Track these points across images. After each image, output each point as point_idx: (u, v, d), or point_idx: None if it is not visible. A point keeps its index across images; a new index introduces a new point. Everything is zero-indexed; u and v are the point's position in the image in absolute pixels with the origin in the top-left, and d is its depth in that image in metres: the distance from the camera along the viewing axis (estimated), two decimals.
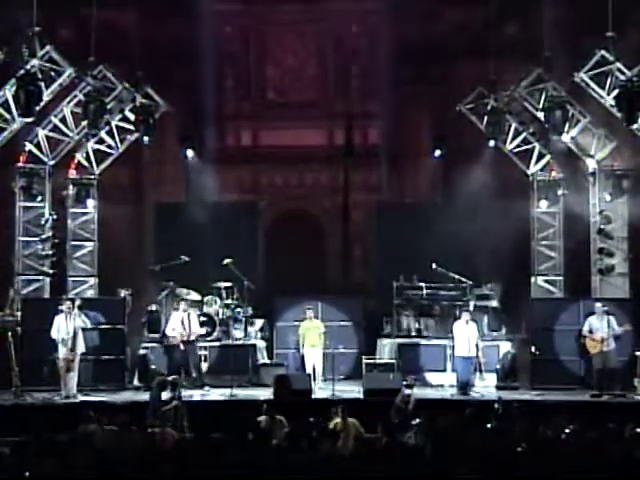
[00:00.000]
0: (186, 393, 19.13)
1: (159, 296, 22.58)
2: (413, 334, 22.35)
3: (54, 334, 19.36)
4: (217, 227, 23.23)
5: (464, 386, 20.05)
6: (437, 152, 24.04)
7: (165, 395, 17.28)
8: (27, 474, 11.25)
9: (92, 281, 23.16)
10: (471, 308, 21.69)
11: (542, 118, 22.32)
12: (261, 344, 22.33)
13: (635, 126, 20.85)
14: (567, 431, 14.02)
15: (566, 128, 22.02)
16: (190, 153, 23.91)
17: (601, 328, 20.04)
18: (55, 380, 19.51)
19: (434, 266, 22.05)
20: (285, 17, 27.94)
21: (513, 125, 23.11)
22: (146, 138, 22.52)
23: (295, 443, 13.34)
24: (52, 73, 21.50)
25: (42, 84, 20.40)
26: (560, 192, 23.27)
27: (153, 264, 23.36)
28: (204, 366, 21.25)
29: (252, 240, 24.58)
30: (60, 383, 19.42)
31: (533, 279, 23.43)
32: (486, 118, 22.66)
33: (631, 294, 22.33)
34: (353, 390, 20.19)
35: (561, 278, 23.36)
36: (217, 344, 21.88)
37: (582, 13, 22.69)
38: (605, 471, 11.15)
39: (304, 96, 28.07)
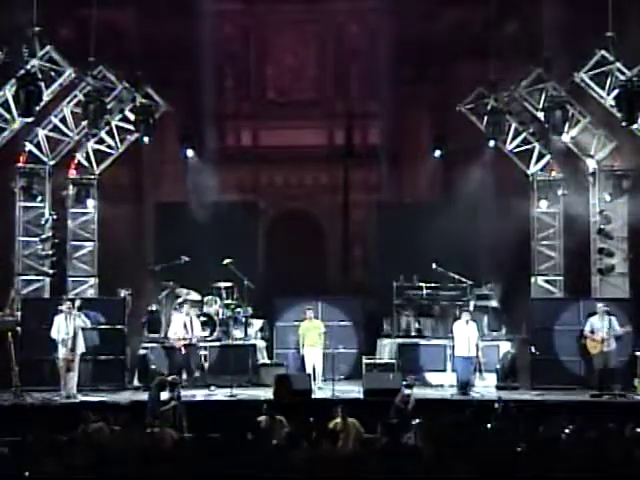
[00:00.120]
0: (189, 393, 19.22)
1: (159, 296, 22.58)
2: (413, 334, 22.36)
3: (54, 334, 19.36)
4: (217, 227, 23.23)
5: (464, 386, 20.05)
6: (437, 152, 24.06)
7: (164, 395, 17.29)
8: (27, 474, 11.25)
9: (92, 281, 23.18)
10: (471, 308, 21.70)
11: (542, 118, 22.33)
12: (261, 344, 22.33)
13: (635, 126, 20.86)
14: (567, 431, 14.01)
15: (566, 128, 22.04)
16: (190, 153, 23.93)
17: (602, 328, 20.03)
18: (55, 380, 19.52)
19: (434, 266, 22.06)
20: (285, 17, 27.92)
21: (513, 125, 23.12)
22: (146, 138, 22.53)
23: (295, 443, 13.34)
24: (52, 73, 21.52)
25: (42, 84, 20.43)
26: (560, 192, 23.27)
27: (153, 264, 23.38)
28: (196, 374, 21.20)
29: (252, 240, 24.60)
30: (60, 383, 19.41)
31: (533, 279, 23.44)
32: (486, 118, 22.66)
33: (631, 294, 22.33)
34: (353, 390, 20.19)
35: (561, 278, 23.37)
36: (217, 344, 21.88)
37: (582, 13, 22.67)
38: (605, 471, 11.15)
39: (304, 96, 28.06)
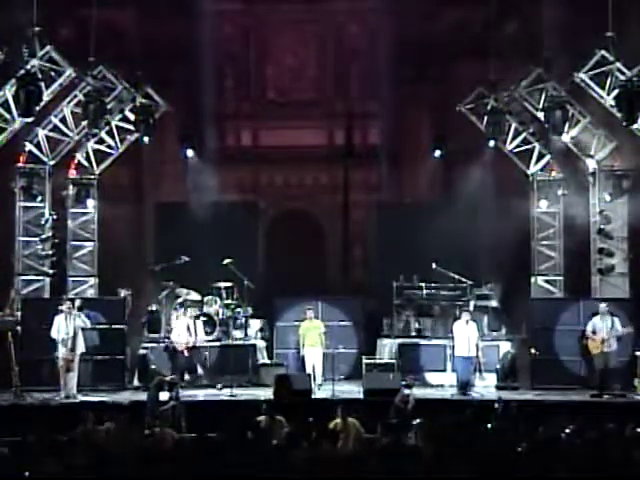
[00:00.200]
0: (191, 393, 19.25)
1: (159, 296, 22.58)
2: (413, 334, 22.35)
3: (54, 334, 19.35)
4: (217, 227, 23.23)
5: (464, 386, 20.05)
6: (437, 152, 24.07)
7: (163, 395, 17.29)
8: (27, 474, 11.25)
9: (92, 281, 23.18)
10: (471, 308, 21.69)
11: (542, 118, 22.33)
12: (261, 344, 22.33)
13: (635, 126, 20.86)
14: (567, 431, 14.01)
15: (566, 128, 22.04)
16: (190, 153, 23.94)
17: (604, 329, 20.02)
18: (55, 380, 19.51)
19: (434, 266, 22.07)
20: (285, 17, 27.92)
21: (513, 125, 23.12)
22: (146, 138, 22.54)
23: (295, 443, 13.34)
24: (52, 73, 21.52)
25: (42, 84, 20.42)
26: (560, 192, 23.27)
27: (153, 264, 23.39)
28: (200, 371, 21.18)
29: (252, 240, 24.60)
30: (60, 383, 19.40)
31: (533, 279, 23.44)
32: (486, 118, 22.66)
33: (631, 294, 22.33)
34: (353, 390, 20.19)
35: (561, 278, 23.37)
36: (217, 344, 21.87)
37: (582, 13, 22.67)
38: (605, 471, 11.15)
39: (304, 96, 28.06)
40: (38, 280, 22.48)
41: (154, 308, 22.52)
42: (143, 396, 18.66)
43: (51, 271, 22.54)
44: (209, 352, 21.60)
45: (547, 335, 21.34)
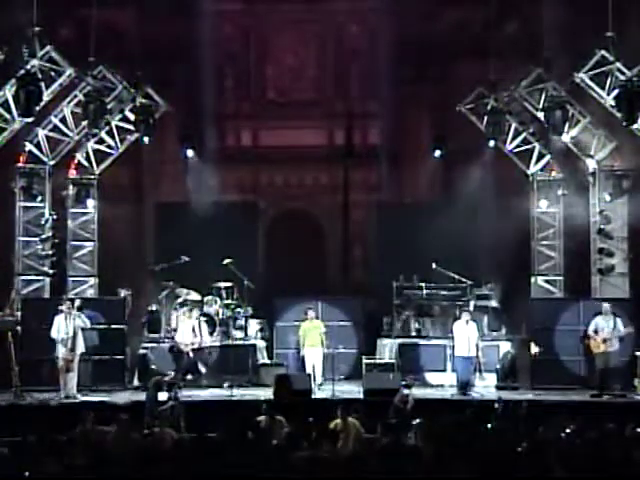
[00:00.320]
0: (195, 392, 19.27)
1: (159, 296, 22.58)
2: (413, 334, 22.35)
3: (54, 334, 19.35)
4: (217, 227, 23.24)
5: (464, 386, 20.05)
6: (437, 152, 24.07)
7: (161, 395, 17.29)
8: (27, 474, 11.25)
9: (92, 281, 23.18)
10: (471, 308, 21.69)
11: (542, 118, 22.33)
12: (261, 344, 22.32)
13: (635, 126, 20.86)
14: (567, 431, 14.01)
15: (566, 128, 22.04)
16: (190, 153, 23.94)
17: (606, 328, 20.01)
18: (55, 380, 19.50)
19: (434, 266, 22.07)
20: (285, 17, 27.92)
21: (513, 125, 23.12)
22: (146, 138, 22.53)
23: (295, 443, 13.34)
24: (52, 73, 21.52)
25: (42, 84, 20.42)
26: (560, 192, 23.27)
27: (153, 264, 23.39)
28: (202, 370, 21.18)
29: (252, 240, 24.61)
30: (60, 383, 19.40)
31: (533, 279, 23.44)
32: (486, 118, 22.66)
33: (631, 294, 22.33)
34: (353, 390, 20.19)
35: (561, 278, 23.37)
36: (217, 344, 21.86)
37: (582, 13, 22.67)
38: (605, 471, 11.15)
39: (304, 96, 28.06)
40: (38, 280, 22.48)
41: (154, 308, 22.52)
42: (143, 396, 18.65)
43: (51, 271, 22.54)
44: (209, 352, 21.59)
45: (547, 335, 21.34)
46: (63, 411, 17.95)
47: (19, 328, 20.56)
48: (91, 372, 20.61)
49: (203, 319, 21.66)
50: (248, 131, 28.18)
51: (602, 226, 22.66)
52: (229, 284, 22.48)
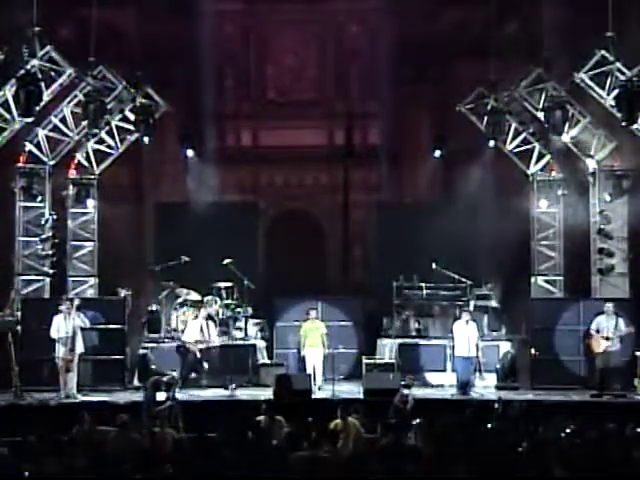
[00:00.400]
0: (197, 392, 19.35)
1: (159, 296, 22.58)
2: (413, 334, 22.35)
3: (53, 334, 19.36)
4: (217, 227, 23.24)
5: (464, 386, 20.05)
6: (437, 152, 24.06)
7: (160, 395, 17.29)
8: (27, 474, 11.25)
9: (92, 281, 23.18)
10: (471, 308, 21.69)
11: (542, 118, 22.32)
12: (261, 344, 22.31)
13: (635, 126, 20.86)
14: (567, 431, 14.01)
15: (566, 128, 22.03)
16: (190, 153, 23.94)
17: (608, 328, 20.00)
18: (55, 380, 19.50)
19: (434, 266, 22.07)
20: (285, 17, 27.90)
21: (513, 125, 23.11)
22: (146, 138, 22.52)
23: (295, 443, 13.34)
24: (52, 73, 21.51)
25: (42, 84, 20.41)
26: (560, 192, 23.27)
27: (153, 264, 23.39)
28: (205, 366, 21.18)
29: (252, 240, 24.60)
30: (60, 383, 19.40)
31: (533, 279, 23.43)
32: (486, 118, 22.65)
33: (631, 294, 22.32)
34: (353, 390, 20.19)
35: (561, 278, 23.37)
36: (217, 344, 21.84)
37: (582, 13, 22.67)
38: (605, 471, 11.15)
39: (304, 96, 28.05)
40: (38, 280, 22.48)
41: (154, 308, 22.52)
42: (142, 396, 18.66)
43: (51, 271, 22.53)
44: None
45: (547, 335, 21.34)
46: (63, 411, 17.95)
47: (19, 328, 20.55)
48: (91, 372, 20.62)
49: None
50: (248, 131, 28.18)
51: (602, 226, 22.66)
52: (229, 284, 22.47)
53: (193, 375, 20.56)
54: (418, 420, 14.98)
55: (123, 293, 22.28)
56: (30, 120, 21.02)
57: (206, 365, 20.86)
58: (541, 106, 22.32)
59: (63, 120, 22.43)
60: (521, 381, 21.22)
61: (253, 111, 28.10)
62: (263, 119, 27.87)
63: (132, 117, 22.53)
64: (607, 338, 19.96)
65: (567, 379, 20.95)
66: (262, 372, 21.49)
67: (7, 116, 21.49)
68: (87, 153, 23.14)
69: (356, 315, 22.83)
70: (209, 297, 22.36)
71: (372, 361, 21.52)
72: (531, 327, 21.70)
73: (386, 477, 11.07)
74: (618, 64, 21.12)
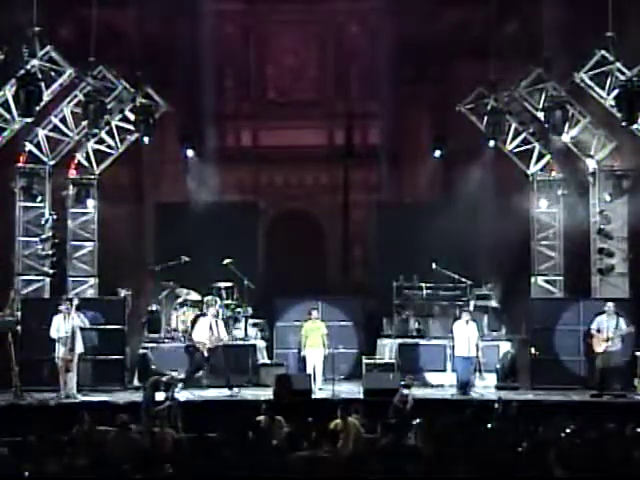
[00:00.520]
0: (200, 392, 19.42)
1: (159, 296, 22.58)
2: (413, 334, 22.34)
3: (53, 334, 19.36)
4: (217, 227, 23.24)
5: (464, 386, 20.05)
6: (437, 152, 24.06)
7: (159, 395, 17.29)
8: (27, 474, 11.25)
9: (92, 281, 23.17)
10: (471, 308, 21.68)
11: (542, 118, 22.33)
12: (261, 344, 22.31)
13: (635, 126, 20.86)
14: (567, 431, 14.02)
15: (566, 128, 22.03)
16: (190, 153, 23.94)
17: (609, 327, 20.00)
18: (55, 380, 19.50)
19: (434, 266, 22.07)
20: (285, 17, 27.89)
21: (513, 125, 23.11)
22: (146, 138, 22.52)
23: (295, 443, 13.35)
24: (52, 73, 21.51)
25: (42, 84, 20.42)
26: (560, 192, 23.27)
27: (153, 264, 23.39)
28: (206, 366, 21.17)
29: (252, 240, 24.60)
30: (60, 383, 19.40)
31: (533, 279, 23.43)
32: (486, 118, 22.65)
33: (631, 294, 22.32)
34: (353, 390, 20.19)
35: (561, 278, 23.37)
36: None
37: (582, 13, 22.67)
38: (605, 471, 11.15)
39: (304, 96, 28.04)
40: (38, 280, 22.48)
41: (154, 308, 22.52)
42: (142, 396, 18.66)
43: (51, 271, 22.53)
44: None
45: (547, 335, 21.34)
46: (63, 411, 17.95)
47: (19, 328, 20.55)
48: (91, 372, 20.62)
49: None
50: (248, 131, 28.16)
51: (602, 226, 22.66)
52: (229, 284, 22.46)
53: (199, 374, 20.55)
54: (418, 420, 14.99)
55: (123, 293, 22.28)
56: (30, 120, 21.02)
57: (206, 367, 20.86)
58: (541, 106, 22.32)
59: (63, 120, 22.43)
60: (521, 381, 21.22)
61: (253, 111, 28.09)
62: (263, 119, 27.86)
63: (132, 117, 22.53)
64: (608, 339, 19.95)
65: (567, 379, 20.95)
66: (262, 372, 21.48)
67: (7, 116, 21.49)
68: (87, 153, 23.14)
69: (356, 315, 22.83)
70: (209, 297, 22.34)
71: (372, 361, 21.52)
72: (531, 327, 21.70)
73: (386, 477, 11.07)
74: (618, 64, 21.13)
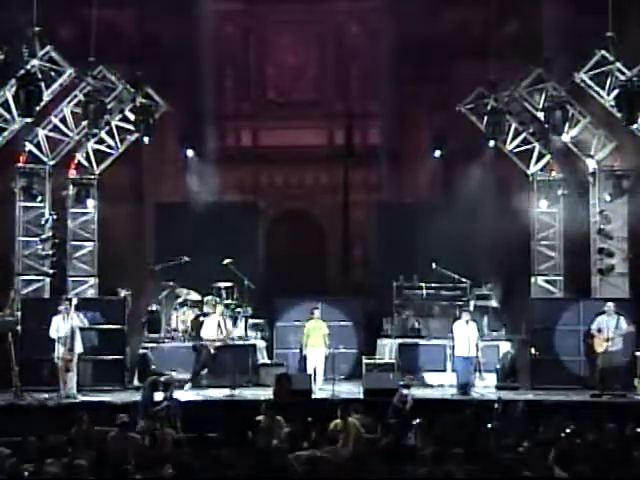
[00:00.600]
0: (202, 392, 19.41)
1: (159, 296, 22.57)
2: (413, 334, 22.34)
3: (53, 334, 19.34)
4: (217, 227, 23.24)
5: (464, 386, 20.03)
6: (437, 152, 24.06)
7: (157, 395, 17.30)
8: (27, 474, 11.25)
9: (92, 281, 23.17)
10: (471, 308, 21.67)
11: (542, 118, 22.32)
12: (261, 344, 22.31)
13: (635, 126, 20.86)
14: (567, 431, 14.02)
15: (566, 128, 22.03)
16: (190, 153, 23.95)
17: (610, 327, 19.99)
18: (55, 380, 19.48)
19: (434, 266, 22.06)
20: (285, 17, 27.89)
21: (513, 125, 23.11)
22: (146, 138, 22.53)
23: (295, 443, 13.35)
24: (52, 73, 21.50)
25: (42, 84, 20.41)
26: (560, 192, 23.27)
27: (153, 264, 23.38)
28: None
29: (252, 240, 24.59)
30: (59, 383, 19.41)
31: (533, 279, 23.43)
32: (486, 118, 22.65)
33: (631, 294, 22.32)
34: (353, 390, 20.19)
35: (561, 278, 23.37)
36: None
37: (582, 13, 22.68)
38: (605, 471, 11.15)
39: (304, 96, 28.04)
40: (38, 280, 22.47)
41: (154, 308, 22.51)
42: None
43: (51, 271, 22.53)
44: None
45: (547, 335, 21.32)
46: (62, 411, 17.94)
47: (19, 328, 20.55)
48: (91, 372, 20.60)
49: (202, 318, 21.67)
50: (248, 131, 28.17)
51: (602, 226, 22.66)
52: (229, 284, 22.46)
53: (204, 372, 20.57)
54: (418, 420, 14.99)
55: (123, 293, 22.27)
56: (30, 120, 21.02)
57: (210, 365, 20.88)
58: (541, 106, 22.32)
59: (63, 120, 22.43)
60: (521, 381, 21.20)
61: (253, 111, 28.09)
62: (263, 119, 27.86)
63: (132, 117, 22.54)
64: (608, 339, 19.94)
65: (567, 379, 20.93)
66: (262, 372, 21.48)
67: (7, 116, 21.49)
68: (87, 153, 23.13)
69: (356, 315, 22.83)
70: (209, 297, 22.35)
71: (372, 361, 21.51)
72: (531, 327, 21.69)
73: (386, 477, 11.07)
74: (618, 64, 21.12)
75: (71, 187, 23.16)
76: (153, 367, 20.96)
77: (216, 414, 17.74)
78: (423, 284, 22.37)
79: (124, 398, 19.37)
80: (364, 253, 27.44)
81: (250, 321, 22.40)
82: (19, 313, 21.10)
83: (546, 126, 22.22)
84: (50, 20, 21.94)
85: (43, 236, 22.39)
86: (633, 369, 20.67)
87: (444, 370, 21.45)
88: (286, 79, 28.27)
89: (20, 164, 22.48)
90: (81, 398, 19.29)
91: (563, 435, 13.83)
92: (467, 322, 20.30)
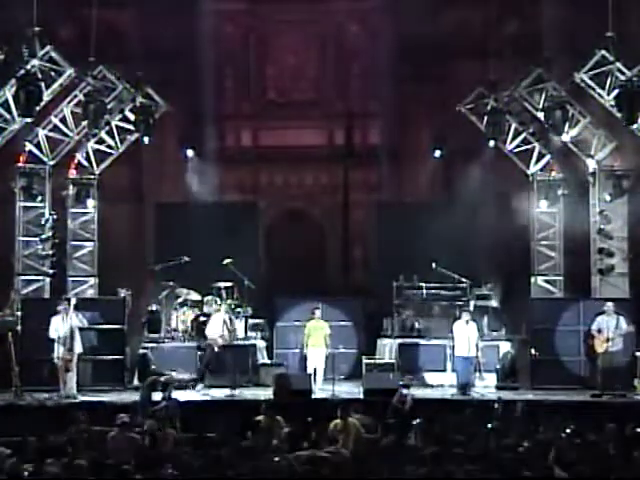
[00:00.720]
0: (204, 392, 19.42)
1: (159, 296, 22.57)
2: (413, 334, 22.34)
3: (52, 334, 19.33)
4: (217, 227, 23.23)
5: (464, 386, 20.03)
6: (437, 152, 24.07)
7: (156, 395, 17.29)
8: (27, 474, 11.25)
9: (92, 281, 23.18)
10: (471, 308, 21.67)
11: (542, 118, 22.33)
12: (261, 344, 22.31)
13: (635, 126, 20.87)
14: (567, 431, 14.02)
15: (566, 128, 22.03)
16: (190, 153, 23.96)
17: (610, 327, 19.98)
18: (55, 380, 19.47)
19: (434, 266, 22.06)
20: (285, 17, 27.88)
21: (513, 125, 23.11)
22: (146, 138, 22.53)
23: (295, 443, 13.35)
24: (52, 73, 21.52)
25: (42, 84, 20.42)
26: (560, 192, 23.28)
27: (153, 264, 23.37)
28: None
29: (252, 240, 24.59)
30: (59, 383, 19.41)
31: (533, 279, 23.44)
32: (486, 118, 22.66)
33: (631, 294, 22.33)
34: (353, 390, 20.19)
35: (561, 278, 23.37)
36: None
37: (582, 13, 22.68)
38: (605, 471, 11.15)
39: (304, 96, 28.04)
40: (38, 280, 22.48)
41: (154, 308, 22.51)
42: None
43: (51, 271, 22.53)
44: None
45: (547, 335, 21.31)
46: (62, 411, 17.93)
47: (19, 328, 20.55)
48: (91, 372, 20.59)
49: (202, 318, 21.68)
50: (248, 131, 28.16)
51: (602, 226, 22.66)
52: (229, 284, 22.45)
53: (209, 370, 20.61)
54: (418, 420, 14.99)
55: (123, 293, 22.27)
56: (30, 120, 21.02)
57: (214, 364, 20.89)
58: (541, 106, 22.33)
59: (63, 120, 22.43)
60: (521, 381, 21.20)
61: (253, 111, 28.09)
62: (263, 119, 27.86)
63: (132, 117, 22.55)
64: (608, 339, 19.94)
65: (567, 379, 20.93)
66: (262, 372, 21.47)
67: (7, 116, 21.50)
68: (87, 153, 23.14)
69: (356, 315, 22.83)
70: (209, 297, 22.36)
71: (372, 361, 21.51)
72: (531, 327, 21.68)
73: (386, 477, 11.08)
74: (618, 64, 21.13)
75: (71, 187, 23.17)
76: (153, 367, 20.96)
77: (216, 414, 17.73)
78: (423, 284, 22.36)
79: (124, 398, 19.36)
80: (364, 253, 27.43)
81: (250, 321, 22.40)
82: (19, 313, 21.11)
83: (546, 126, 22.23)
84: (50, 20, 21.96)
85: (43, 236, 22.40)
86: (633, 369, 20.67)
87: (444, 370, 21.44)
88: (286, 79, 28.26)
89: (20, 164, 22.49)
90: (81, 398, 19.27)
91: (563, 435, 13.83)
92: (467, 322, 20.30)
